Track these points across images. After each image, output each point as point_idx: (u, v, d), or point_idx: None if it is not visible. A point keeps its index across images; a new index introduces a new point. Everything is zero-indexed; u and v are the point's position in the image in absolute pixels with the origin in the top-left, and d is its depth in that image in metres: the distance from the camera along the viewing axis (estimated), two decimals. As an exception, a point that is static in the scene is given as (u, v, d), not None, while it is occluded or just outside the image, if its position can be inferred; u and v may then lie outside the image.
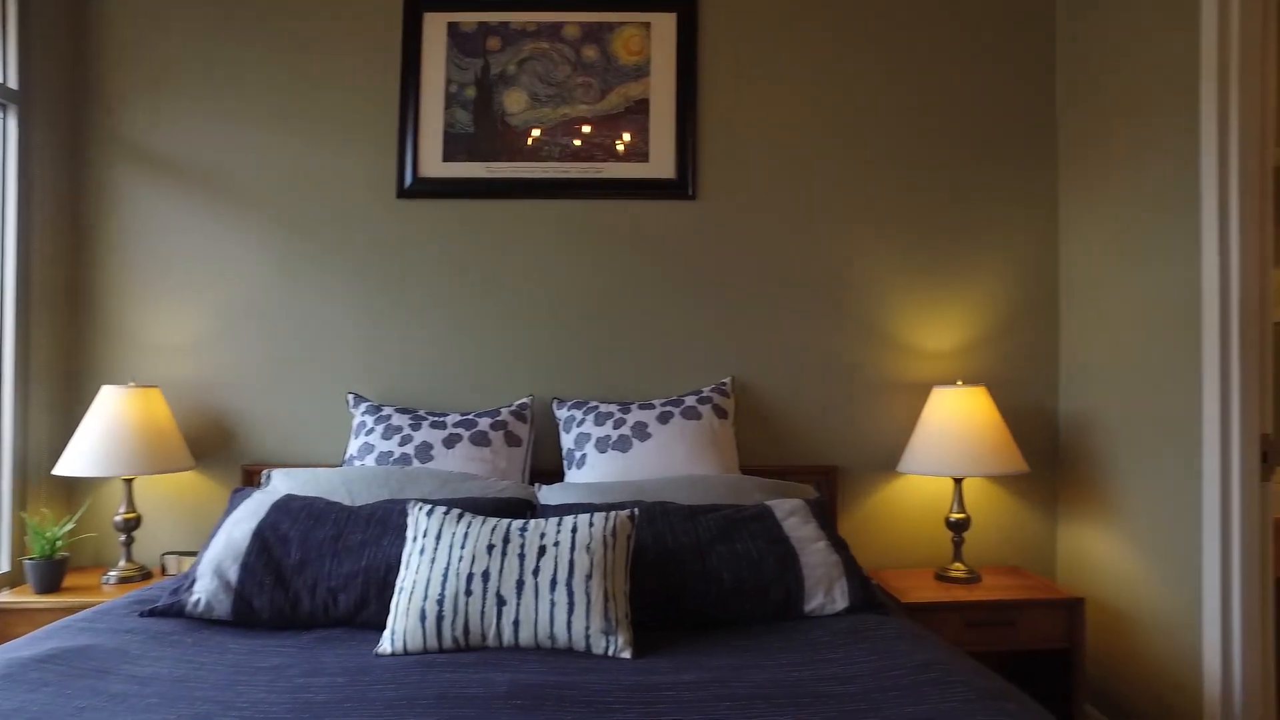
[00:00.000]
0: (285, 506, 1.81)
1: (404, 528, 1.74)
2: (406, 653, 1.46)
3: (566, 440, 2.37)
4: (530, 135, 2.56)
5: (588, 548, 1.56)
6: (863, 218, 2.61)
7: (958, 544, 2.42)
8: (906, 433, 2.58)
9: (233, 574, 1.67)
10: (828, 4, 2.61)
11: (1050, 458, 2.62)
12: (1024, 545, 2.61)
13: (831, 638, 1.53)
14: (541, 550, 1.55)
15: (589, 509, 1.87)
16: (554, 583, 1.50)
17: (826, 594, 1.71)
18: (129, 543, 2.29)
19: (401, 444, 2.25)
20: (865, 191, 2.61)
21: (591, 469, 2.26)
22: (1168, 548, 2.12)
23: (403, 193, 2.55)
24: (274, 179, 2.54)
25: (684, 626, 1.65)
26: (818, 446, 2.61)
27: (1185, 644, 2.05)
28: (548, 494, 2.09)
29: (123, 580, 2.22)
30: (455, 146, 2.56)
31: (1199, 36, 2.00)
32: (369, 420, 2.33)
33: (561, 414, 2.44)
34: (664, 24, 2.59)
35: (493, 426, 2.33)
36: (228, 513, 1.87)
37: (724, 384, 2.50)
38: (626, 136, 2.57)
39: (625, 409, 2.38)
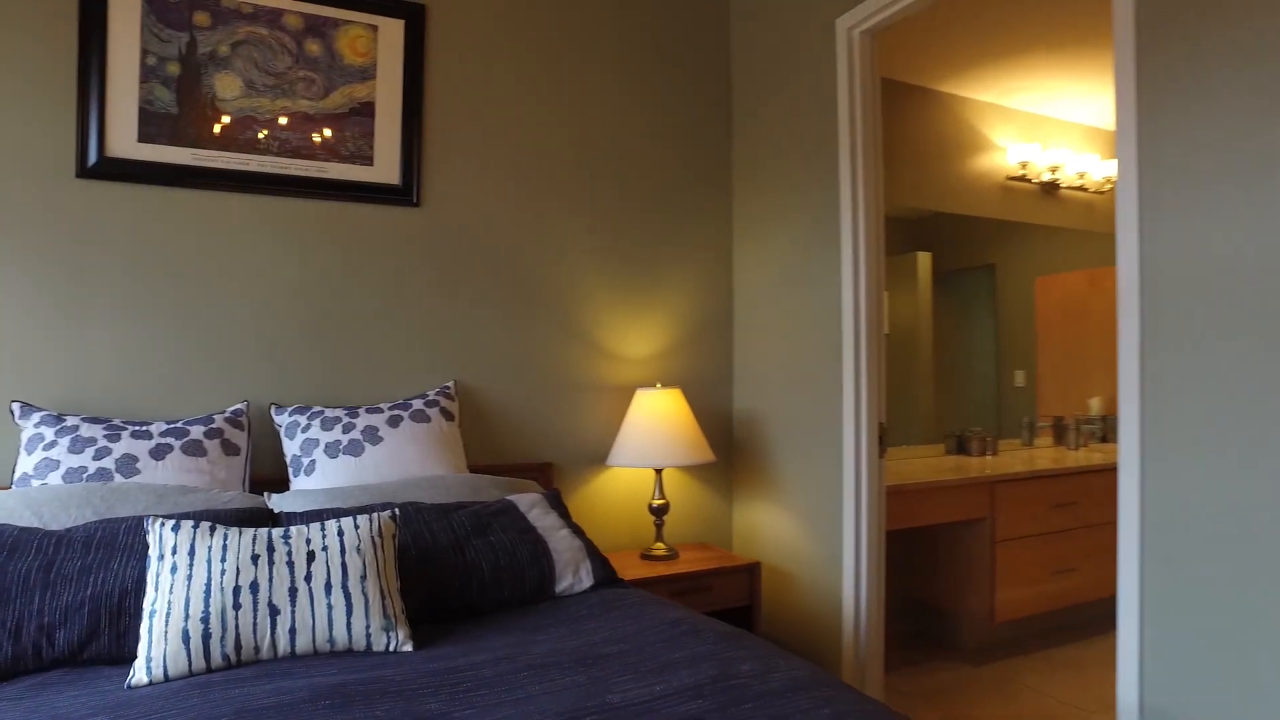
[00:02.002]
0: (-35, 537, 1.53)
1: (136, 548, 1.58)
2: (168, 679, 1.36)
3: (291, 447, 2.28)
4: (246, 125, 2.40)
5: (358, 549, 1.58)
6: (576, 233, 2.87)
7: (659, 526, 2.79)
8: (614, 430, 2.90)
9: (-104, 624, 1.37)
10: (549, 33, 2.83)
11: (727, 448, 3.12)
12: (708, 523, 3.08)
13: (589, 611, 1.74)
14: (311, 556, 1.53)
15: (339, 513, 1.86)
16: (329, 586, 1.50)
17: (574, 574, 1.92)
18: None
19: (97, 457, 1.99)
20: (578, 209, 2.88)
21: (323, 475, 2.21)
22: (817, 515, 2.69)
23: (84, 172, 2.23)
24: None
25: (451, 617, 1.74)
26: (534, 445, 2.81)
27: (830, 589, 2.62)
28: (283, 502, 2.01)
29: None
30: (154, 127, 2.31)
31: (837, 123, 2.58)
32: (48, 432, 2.01)
33: (282, 420, 2.33)
34: (392, 29, 2.60)
35: (207, 435, 2.15)
36: None
37: (448, 387, 2.59)
38: (351, 138, 2.53)
39: (353, 413, 2.35)
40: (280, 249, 2.44)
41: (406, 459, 2.28)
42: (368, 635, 1.50)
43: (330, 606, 1.48)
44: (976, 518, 3.06)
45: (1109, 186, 4.24)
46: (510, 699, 1.25)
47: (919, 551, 3.40)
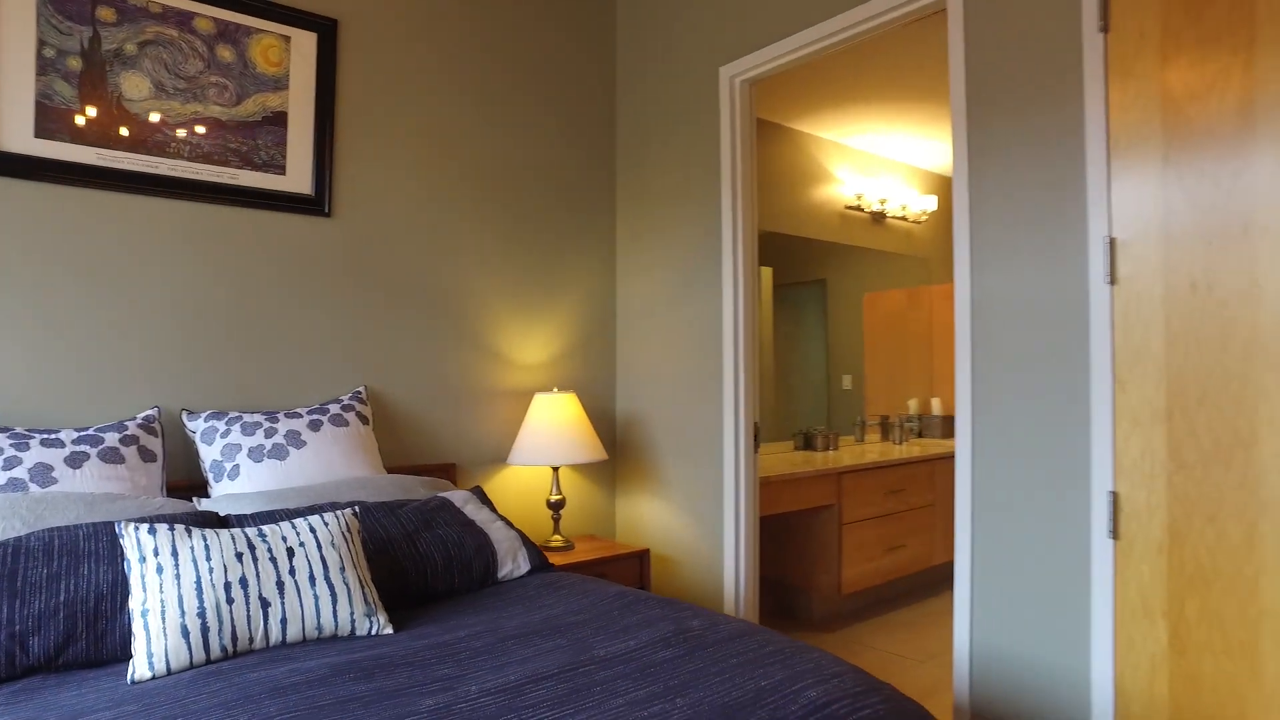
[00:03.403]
0: (-83, 547, 1.49)
1: (102, 553, 1.60)
2: (171, 672, 1.42)
3: (210, 452, 2.29)
4: (156, 128, 2.37)
5: (332, 544, 1.70)
6: (478, 246, 3.04)
7: (556, 520, 3.01)
8: (511, 431, 3.10)
9: None
10: (453, 57, 2.98)
11: (611, 446, 3.40)
12: (594, 516, 3.34)
13: (535, 591, 1.95)
14: (290, 552, 1.63)
15: (290, 514, 1.94)
16: (313, 579, 1.61)
17: (513, 561, 2.12)
18: None
19: (7, 467, 1.93)
20: (480, 224, 3.04)
21: (248, 479, 2.24)
22: (699, 505, 3.03)
23: (-27, 167, 2.13)
24: None
25: (410, 604, 1.89)
26: (438, 446, 2.94)
27: (711, 570, 2.97)
28: (224, 505, 2.05)
29: None
30: (54, 122, 2.23)
31: (719, 158, 2.94)
32: (-51, 442, 1.92)
33: (196, 425, 2.33)
34: (304, 41, 2.65)
35: (123, 441, 2.13)
36: None
37: (360, 392, 2.67)
38: (264, 146, 2.56)
39: (273, 418, 2.39)
40: (189, 254, 2.43)
41: (331, 462, 2.37)
42: (352, 621, 1.63)
43: (316, 597, 1.60)
44: (827, 504, 3.54)
45: (925, 218, 4.95)
46: (511, 661, 1.45)
47: (773, 537, 3.84)
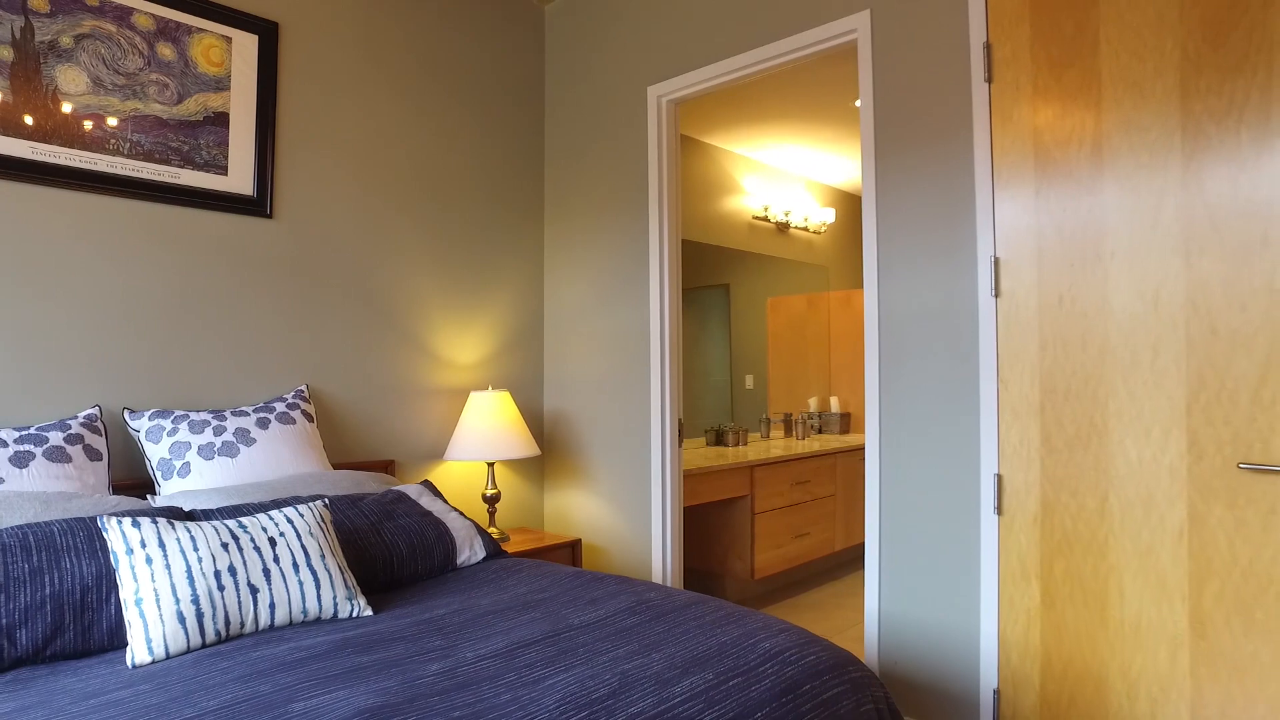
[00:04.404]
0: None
1: (81, 548, 1.64)
2: (170, 656, 1.49)
3: (157, 450, 2.30)
4: (94, 123, 2.35)
5: (310, 533, 1.79)
6: (414, 249, 3.13)
7: (492, 513, 3.14)
8: (446, 428, 3.20)
9: None
10: (392, 66, 3.06)
11: (539, 442, 3.54)
12: (524, 509, 3.48)
13: (497, 575, 2.09)
14: (273, 541, 1.72)
15: (256, 508, 2.00)
16: (296, 566, 1.70)
17: (470, 548, 2.25)
18: None
19: (-47, 467, 1.91)
20: (416, 228, 3.13)
21: (200, 476, 2.27)
22: (627, 496, 3.22)
23: (-97, 159, 2.07)
24: None
25: (378, 590, 1.99)
26: (377, 443, 3.02)
27: (640, 557, 3.17)
28: (178, 502, 2.08)
29: None
30: (-12, 117, 2.19)
31: (647, 172, 3.15)
32: (-111, 442, 1.88)
33: (140, 424, 2.34)
34: (246, 43, 2.67)
35: (68, 440, 2.13)
36: None
37: (302, 390, 2.72)
38: (205, 146, 2.57)
39: (220, 416, 2.42)
40: (128, 253, 2.42)
41: (281, 458, 2.42)
42: (335, 605, 1.73)
43: (301, 583, 1.69)
44: (740, 495, 3.81)
45: (824, 229, 5.34)
46: (496, 631, 1.59)
47: (689, 527, 4.09)
